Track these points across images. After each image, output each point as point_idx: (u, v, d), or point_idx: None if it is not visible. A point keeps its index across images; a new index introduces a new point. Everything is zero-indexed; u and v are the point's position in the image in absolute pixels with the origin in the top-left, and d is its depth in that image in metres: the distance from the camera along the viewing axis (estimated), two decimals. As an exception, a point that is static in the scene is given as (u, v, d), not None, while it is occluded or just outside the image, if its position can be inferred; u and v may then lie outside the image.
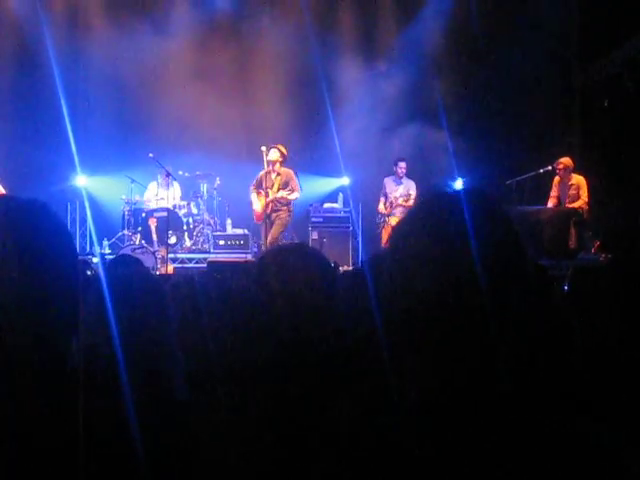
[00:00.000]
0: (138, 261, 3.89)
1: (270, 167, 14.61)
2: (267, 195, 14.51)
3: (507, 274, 1.89)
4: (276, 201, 14.54)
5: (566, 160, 14.73)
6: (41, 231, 1.91)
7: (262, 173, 14.76)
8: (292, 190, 14.58)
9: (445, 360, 1.87)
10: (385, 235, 15.43)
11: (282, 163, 14.67)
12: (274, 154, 14.59)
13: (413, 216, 1.97)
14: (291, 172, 14.73)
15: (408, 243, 1.91)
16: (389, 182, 16.10)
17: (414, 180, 15.98)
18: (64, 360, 1.90)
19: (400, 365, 1.95)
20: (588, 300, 3.11)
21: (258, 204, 14.69)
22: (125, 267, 3.65)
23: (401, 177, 16.05)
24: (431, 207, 1.93)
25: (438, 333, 1.87)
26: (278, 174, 14.59)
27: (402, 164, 16.01)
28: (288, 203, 14.72)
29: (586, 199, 14.60)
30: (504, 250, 1.90)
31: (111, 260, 4.04)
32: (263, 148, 14.63)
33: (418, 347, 1.89)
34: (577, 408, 1.89)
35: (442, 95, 17.13)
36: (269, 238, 14.32)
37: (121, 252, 14.55)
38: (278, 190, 14.53)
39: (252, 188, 14.88)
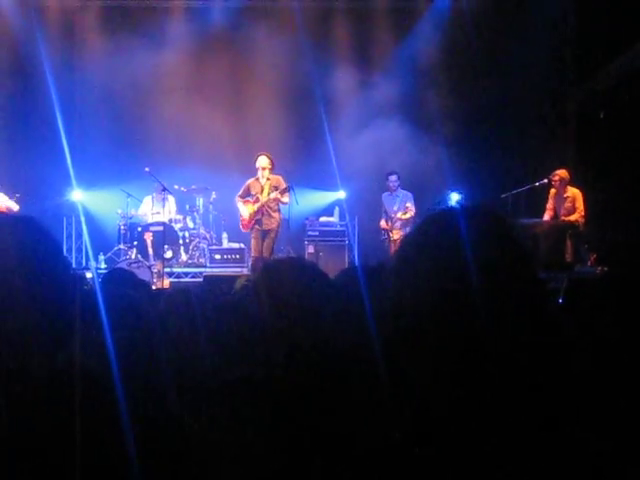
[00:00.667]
0: (132, 275, 3.88)
1: (259, 174, 14.61)
2: (257, 201, 14.49)
3: (513, 292, 1.88)
4: (267, 206, 14.51)
5: (562, 172, 14.74)
6: (30, 246, 1.91)
7: (250, 181, 14.75)
8: (275, 196, 14.55)
9: (445, 373, 1.87)
10: (391, 250, 15.46)
11: (271, 170, 14.66)
12: (264, 160, 14.58)
13: (417, 233, 1.97)
14: (280, 178, 14.72)
15: (412, 260, 1.91)
16: (385, 198, 16.06)
17: (411, 191, 15.95)
18: (57, 373, 1.89)
19: (399, 378, 1.94)
20: (583, 312, 3.11)
21: (246, 211, 14.65)
22: (119, 282, 3.64)
23: (394, 190, 15.95)
24: (434, 224, 1.93)
25: (440, 348, 1.86)
26: (267, 179, 14.58)
27: (392, 177, 15.92)
28: (278, 210, 14.69)
29: (582, 212, 14.59)
30: (510, 267, 1.90)
31: (105, 274, 4.03)
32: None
33: (419, 360, 1.89)
34: (575, 419, 1.88)
35: (438, 108, 17.16)
36: (264, 252, 14.28)
37: (117, 266, 14.53)
38: (268, 195, 14.50)
39: (238, 197, 14.85)
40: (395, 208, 15.77)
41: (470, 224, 1.94)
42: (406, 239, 2.04)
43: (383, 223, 15.99)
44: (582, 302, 3.52)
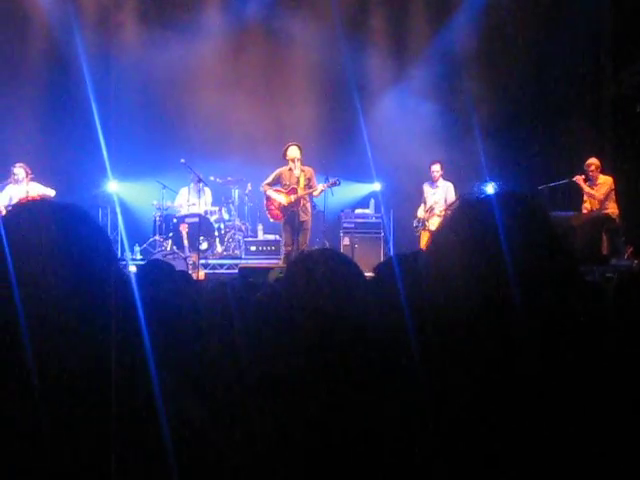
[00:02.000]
0: (170, 266, 3.85)
1: (292, 165, 14.55)
2: (294, 191, 14.42)
3: (548, 276, 1.85)
4: (303, 198, 14.48)
5: (594, 160, 14.68)
6: (80, 234, 1.90)
7: (282, 170, 14.68)
8: (314, 187, 14.52)
9: (482, 364, 1.83)
10: (424, 238, 15.37)
11: (301, 161, 14.64)
12: (296, 151, 14.51)
13: (452, 221, 1.94)
14: (312, 170, 14.70)
15: (448, 248, 1.87)
16: (426, 187, 15.97)
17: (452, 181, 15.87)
18: (100, 360, 1.87)
19: (434, 368, 1.91)
20: (634, 308, 3.05)
21: (284, 197, 14.58)
22: (158, 273, 3.62)
23: (436, 180, 15.84)
24: (470, 212, 1.89)
25: (477, 339, 1.83)
26: (302, 170, 14.53)
27: (433, 167, 15.80)
28: (310, 202, 14.68)
29: (615, 202, 14.52)
30: (545, 252, 1.86)
31: (143, 265, 4.00)
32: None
33: (454, 350, 1.86)
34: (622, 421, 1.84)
35: (474, 99, 17.07)
36: (302, 245, 14.24)
37: (152, 257, 14.57)
38: (305, 187, 14.47)
39: (266, 185, 14.78)
40: (434, 199, 15.67)
41: (505, 211, 1.91)
42: (440, 228, 2.00)
43: (421, 211, 15.92)
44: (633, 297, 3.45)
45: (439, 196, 15.66)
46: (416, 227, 15.87)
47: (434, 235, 1.97)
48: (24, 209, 1.98)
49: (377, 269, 3.32)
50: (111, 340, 1.89)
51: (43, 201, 2.02)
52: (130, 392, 1.86)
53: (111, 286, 1.91)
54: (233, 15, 18.71)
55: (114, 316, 1.87)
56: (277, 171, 14.76)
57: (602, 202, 14.59)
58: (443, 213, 15.40)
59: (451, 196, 15.49)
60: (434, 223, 15.40)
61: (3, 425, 1.69)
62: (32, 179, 15.09)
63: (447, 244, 1.89)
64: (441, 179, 15.80)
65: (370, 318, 2.02)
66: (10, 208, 2.04)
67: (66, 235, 1.89)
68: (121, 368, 1.87)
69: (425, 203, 15.91)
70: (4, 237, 1.83)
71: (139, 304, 2.13)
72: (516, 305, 1.79)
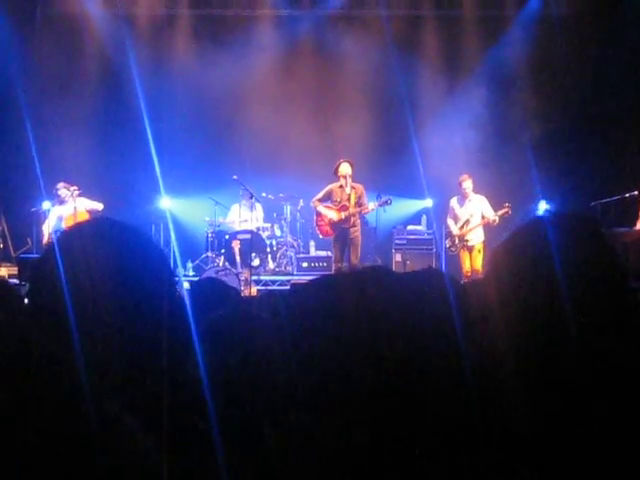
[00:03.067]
0: (223, 283, 3.86)
1: (343, 181, 14.61)
2: (345, 208, 14.46)
3: (609, 300, 1.83)
4: (354, 215, 14.52)
5: None
6: (137, 253, 1.91)
7: (333, 186, 14.76)
8: (365, 205, 14.57)
9: (532, 385, 1.83)
10: (465, 257, 15.21)
11: (352, 178, 14.69)
12: (348, 168, 14.61)
13: (508, 244, 1.93)
14: (363, 188, 14.74)
15: (510, 270, 1.87)
16: (455, 203, 15.59)
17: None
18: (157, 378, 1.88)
19: (500, 390, 1.90)
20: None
21: (334, 214, 14.63)
22: (209, 292, 3.64)
23: (467, 197, 15.41)
24: (525, 235, 1.88)
25: (542, 361, 1.82)
26: (353, 188, 14.59)
27: (465, 184, 15.27)
28: (360, 218, 14.71)
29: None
30: (607, 275, 1.85)
31: (196, 282, 4.04)
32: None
33: (520, 372, 1.85)
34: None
35: (526, 115, 17.00)
36: (354, 261, 14.26)
37: (205, 274, 14.64)
38: (355, 205, 14.52)
39: (317, 201, 14.87)
40: (469, 212, 15.34)
41: (563, 232, 1.90)
42: (498, 249, 1.99)
43: (454, 228, 15.49)
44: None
45: (473, 209, 15.31)
46: (451, 247, 15.57)
47: (494, 256, 1.97)
48: (77, 230, 1.99)
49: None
50: (163, 362, 1.90)
51: (95, 221, 2.04)
52: (180, 415, 1.86)
53: (165, 309, 1.92)
54: (285, 32, 18.82)
55: (167, 340, 1.88)
56: (328, 187, 14.84)
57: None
58: (481, 222, 15.19)
59: (487, 209, 15.20)
60: (472, 237, 15.19)
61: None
62: (80, 194, 15.15)
63: (509, 266, 1.88)
64: (472, 193, 15.40)
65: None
66: (63, 230, 2.05)
67: (123, 255, 1.90)
68: (172, 389, 1.87)
69: (456, 219, 15.56)
70: (59, 259, 1.85)
71: (192, 328, 2.14)
72: (578, 327, 1.79)
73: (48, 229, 15.11)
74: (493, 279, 1.94)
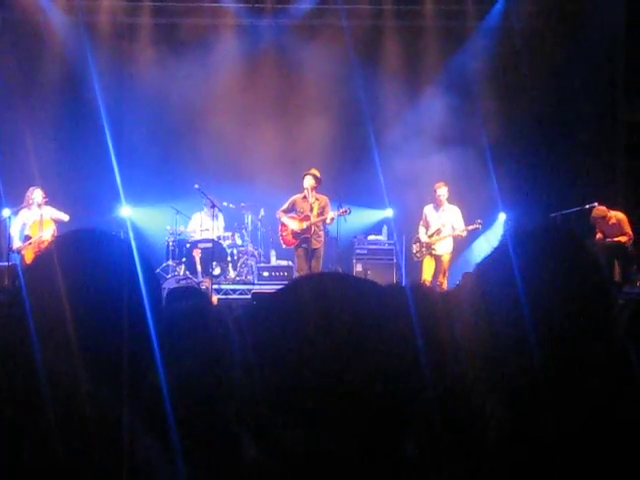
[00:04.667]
0: (201, 293, 3.86)
1: (307, 193, 14.68)
2: (307, 218, 14.54)
3: (595, 317, 1.86)
4: (315, 226, 14.58)
5: (598, 211, 14.65)
6: (124, 263, 1.92)
7: (297, 197, 14.85)
8: (326, 217, 14.65)
9: (527, 403, 1.84)
10: (428, 265, 15.24)
11: (316, 189, 14.74)
12: (310, 181, 14.69)
13: (497, 256, 1.94)
14: (327, 198, 14.81)
15: (496, 283, 1.88)
16: (429, 210, 15.53)
17: (457, 205, 15.57)
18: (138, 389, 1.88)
19: (479, 403, 1.91)
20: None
21: (296, 224, 14.70)
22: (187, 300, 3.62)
23: (441, 204, 15.40)
24: (522, 247, 1.90)
25: (521, 374, 1.83)
26: (316, 199, 14.65)
27: (440, 191, 15.26)
28: (323, 229, 14.79)
29: (631, 234, 14.55)
30: (593, 290, 1.87)
31: (170, 291, 4.02)
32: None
33: (499, 387, 1.86)
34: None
35: (487, 126, 17.10)
36: (315, 271, 14.27)
37: (165, 283, 14.56)
38: (317, 215, 14.58)
39: (281, 212, 14.95)
40: (441, 222, 15.36)
41: (548, 246, 1.92)
42: (482, 265, 2.00)
43: (423, 235, 15.46)
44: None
45: (446, 219, 15.29)
46: (417, 252, 15.58)
47: (479, 269, 1.97)
48: (71, 240, 1.99)
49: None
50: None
51: (87, 232, 2.03)
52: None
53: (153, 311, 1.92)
54: (247, 41, 18.81)
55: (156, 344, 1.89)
56: (292, 198, 14.92)
57: (614, 236, 14.65)
58: (452, 234, 15.24)
59: (459, 220, 15.24)
60: (440, 247, 15.24)
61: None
62: (46, 203, 15.08)
63: (495, 279, 1.89)
64: (446, 202, 15.40)
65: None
66: (57, 238, 2.05)
67: (115, 266, 1.91)
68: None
69: (427, 227, 15.53)
70: (57, 266, 1.85)
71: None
72: (570, 340, 1.81)
73: (17, 233, 15.03)
74: (477, 294, 1.95)
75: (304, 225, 14.61)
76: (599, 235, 14.80)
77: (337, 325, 1.54)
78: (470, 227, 15.10)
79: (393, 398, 1.55)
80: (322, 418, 1.51)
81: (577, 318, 1.83)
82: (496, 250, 1.96)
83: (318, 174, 14.85)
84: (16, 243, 15.03)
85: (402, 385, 1.57)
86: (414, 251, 15.60)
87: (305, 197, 14.75)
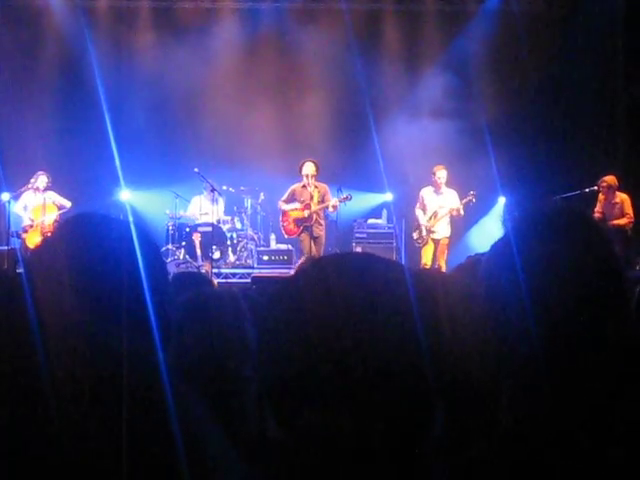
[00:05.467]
0: (206, 279, 3.85)
1: (306, 181, 14.67)
2: (308, 207, 14.54)
3: (609, 302, 1.85)
4: (316, 214, 14.59)
5: (610, 178, 14.68)
6: (132, 245, 1.92)
7: (296, 187, 14.85)
8: (327, 203, 14.66)
9: (541, 389, 1.83)
10: (428, 251, 15.25)
11: (315, 177, 14.75)
12: (311, 168, 14.68)
13: (508, 240, 1.93)
14: (326, 186, 14.81)
15: (505, 272, 1.87)
16: (428, 193, 15.54)
17: (456, 189, 15.57)
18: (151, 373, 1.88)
19: (494, 391, 1.91)
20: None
21: (298, 212, 14.71)
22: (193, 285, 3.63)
23: (440, 187, 15.42)
24: (528, 231, 1.89)
25: (536, 362, 1.83)
26: (315, 187, 14.66)
27: (440, 173, 15.28)
28: (325, 217, 14.81)
29: (631, 217, 14.54)
30: (607, 273, 1.86)
31: (174, 276, 4.02)
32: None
33: (515, 374, 1.86)
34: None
35: (486, 110, 17.08)
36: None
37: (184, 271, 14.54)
38: (318, 203, 14.59)
39: (282, 202, 14.96)
40: (439, 204, 15.34)
41: (561, 227, 1.91)
42: (495, 248, 1.98)
43: (423, 219, 15.48)
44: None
45: (444, 201, 15.31)
46: (418, 239, 15.55)
47: (490, 252, 1.96)
48: (77, 224, 1.99)
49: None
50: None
51: (92, 215, 2.03)
52: (142, 397, 1.85)
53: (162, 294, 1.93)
54: (246, 25, 18.75)
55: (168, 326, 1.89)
56: (291, 188, 14.92)
57: (615, 219, 14.64)
58: (451, 213, 15.22)
59: (457, 204, 15.25)
60: (439, 230, 15.24)
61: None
62: (49, 188, 15.14)
63: (507, 263, 1.88)
64: (444, 185, 15.43)
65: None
66: (60, 222, 2.07)
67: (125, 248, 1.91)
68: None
69: (424, 210, 15.55)
70: (62, 249, 1.85)
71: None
72: (581, 325, 1.80)
73: (24, 214, 15.14)
74: (488, 279, 1.95)
75: (305, 213, 14.62)
76: (599, 217, 14.78)
77: (359, 305, 1.53)
78: (464, 200, 15.11)
79: (413, 378, 1.55)
80: (343, 398, 1.51)
81: (593, 299, 1.82)
82: (503, 237, 1.95)
83: (317, 163, 14.87)
84: (26, 221, 15.12)
85: (420, 365, 1.56)
86: (415, 237, 15.59)
87: (305, 186, 14.75)
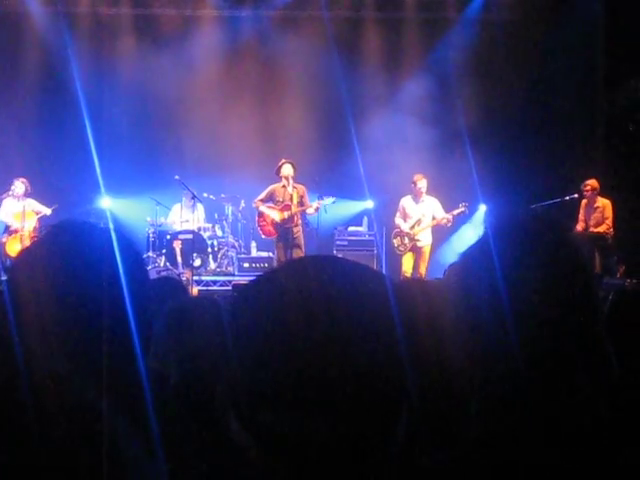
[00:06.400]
0: (180, 284, 3.85)
1: (285, 182, 14.67)
2: (287, 208, 14.52)
3: (579, 306, 1.87)
4: (296, 215, 14.58)
5: (593, 182, 14.82)
6: (112, 254, 1.93)
7: (275, 187, 14.82)
8: (307, 205, 14.67)
9: (513, 396, 1.85)
10: (408, 260, 15.26)
11: (294, 178, 14.75)
12: (290, 169, 14.68)
13: (480, 247, 1.95)
14: (304, 188, 14.82)
15: (475, 275, 1.89)
16: (408, 202, 15.55)
17: (436, 197, 15.58)
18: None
19: (460, 400, 1.92)
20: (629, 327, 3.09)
21: (277, 214, 14.67)
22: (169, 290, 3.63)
23: (420, 196, 15.41)
24: (505, 237, 1.91)
25: (504, 366, 1.85)
26: (294, 187, 14.65)
27: (420, 183, 15.27)
28: (302, 219, 14.78)
29: (610, 223, 14.61)
30: (576, 281, 1.88)
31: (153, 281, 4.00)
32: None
33: (488, 380, 1.87)
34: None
35: (467, 118, 17.12)
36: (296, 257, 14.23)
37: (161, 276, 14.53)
38: (298, 205, 14.59)
39: (259, 201, 14.91)
40: (422, 212, 15.36)
41: (534, 236, 1.93)
42: (467, 255, 2.00)
43: (404, 226, 15.47)
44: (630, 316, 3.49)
45: (426, 210, 15.33)
46: (399, 246, 15.55)
47: (462, 259, 1.98)
48: (60, 233, 2.00)
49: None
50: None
51: (74, 224, 2.04)
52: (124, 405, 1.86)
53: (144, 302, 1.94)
54: (227, 32, 18.74)
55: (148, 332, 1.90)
56: (270, 188, 14.88)
57: (595, 225, 14.72)
58: (433, 223, 15.25)
59: (439, 210, 15.25)
60: (422, 238, 15.25)
61: None
62: (29, 195, 15.12)
63: (478, 270, 1.90)
64: (425, 194, 15.43)
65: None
66: (42, 231, 2.08)
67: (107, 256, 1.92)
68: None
69: (405, 218, 15.53)
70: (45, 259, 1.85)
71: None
72: (550, 331, 1.82)
73: (7, 218, 15.10)
74: (460, 285, 1.96)
75: (285, 215, 14.59)
76: (582, 224, 14.87)
77: (320, 310, 1.53)
78: (455, 211, 15.15)
79: (380, 383, 1.55)
80: (312, 403, 1.51)
81: (559, 309, 1.84)
82: (479, 241, 1.97)
83: (294, 164, 14.89)
84: (11, 223, 15.11)
85: (388, 370, 1.57)
86: (395, 245, 15.58)
87: (284, 186, 14.73)
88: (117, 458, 1.75)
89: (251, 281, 1.72)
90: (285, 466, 1.53)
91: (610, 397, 1.87)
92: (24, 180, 15.18)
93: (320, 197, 14.75)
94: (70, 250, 1.91)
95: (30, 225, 14.92)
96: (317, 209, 14.67)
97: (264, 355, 1.53)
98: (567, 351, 1.85)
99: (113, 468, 1.71)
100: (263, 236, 15.24)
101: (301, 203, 14.69)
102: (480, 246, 1.96)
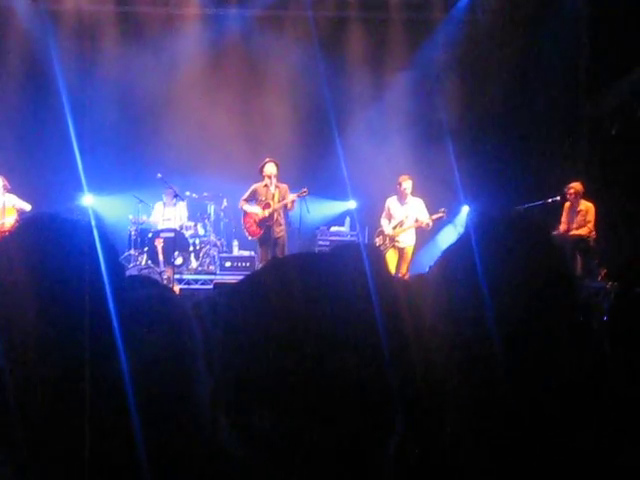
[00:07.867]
0: (156, 282, 3.80)
1: (268, 181, 14.63)
2: (268, 206, 14.50)
3: (557, 303, 1.87)
4: (277, 214, 14.53)
5: (576, 185, 14.83)
6: (90, 248, 1.92)
7: (258, 186, 14.77)
8: (286, 201, 14.65)
9: (490, 389, 1.85)
10: (392, 257, 15.23)
11: (277, 177, 14.73)
12: (273, 168, 14.61)
13: (461, 244, 1.95)
14: (287, 187, 14.79)
15: (457, 272, 1.89)
16: (393, 202, 15.50)
17: (420, 197, 15.49)
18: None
19: (441, 396, 1.92)
20: (629, 331, 3.09)
21: (258, 211, 14.63)
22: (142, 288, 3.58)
23: (405, 197, 15.37)
24: (486, 233, 1.91)
25: (484, 361, 1.85)
26: (277, 187, 14.62)
27: (405, 184, 15.23)
28: (285, 218, 14.76)
29: (592, 226, 14.63)
30: (554, 278, 1.88)
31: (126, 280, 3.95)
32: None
33: (467, 374, 1.87)
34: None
35: (450, 119, 17.14)
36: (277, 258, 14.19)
37: (127, 272, 14.48)
38: (279, 202, 14.58)
39: (243, 201, 14.88)
40: (405, 213, 15.37)
41: (516, 233, 1.93)
42: (449, 252, 2.01)
43: (387, 227, 15.44)
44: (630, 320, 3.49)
45: (410, 211, 15.26)
46: (381, 245, 15.55)
47: (444, 256, 1.98)
48: (34, 224, 1.99)
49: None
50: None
51: (49, 216, 2.02)
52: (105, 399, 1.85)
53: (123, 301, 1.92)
54: (211, 31, 18.73)
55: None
56: (253, 187, 14.84)
57: (577, 228, 14.76)
58: (416, 224, 15.23)
59: (423, 212, 15.24)
60: (403, 239, 15.23)
61: None
62: (9, 191, 15.03)
63: (459, 267, 1.90)
64: (410, 195, 15.37)
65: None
66: (21, 223, 2.05)
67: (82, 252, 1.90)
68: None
69: (389, 219, 15.52)
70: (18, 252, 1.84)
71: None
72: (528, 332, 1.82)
73: None
74: (442, 281, 1.96)
75: (266, 212, 14.57)
76: (564, 227, 14.90)
77: (303, 309, 1.53)
78: (435, 216, 15.12)
79: (367, 381, 1.55)
80: (293, 402, 1.51)
81: (539, 306, 1.84)
82: (461, 238, 1.97)
83: (277, 164, 14.86)
84: None
85: (375, 368, 1.56)
86: (377, 244, 15.57)
87: (267, 185, 14.69)
88: (96, 450, 1.75)
89: (236, 282, 1.71)
90: (274, 466, 1.52)
91: (612, 400, 1.88)
92: (2, 176, 15.08)
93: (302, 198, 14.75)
94: (45, 243, 1.89)
95: (10, 221, 14.84)
96: (293, 202, 14.61)
97: (250, 356, 1.53)
98: (548, 348, 1.85)
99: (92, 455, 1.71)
100: (249, 237, 15.16)
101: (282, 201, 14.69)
102: (461, 243, 1.96)
